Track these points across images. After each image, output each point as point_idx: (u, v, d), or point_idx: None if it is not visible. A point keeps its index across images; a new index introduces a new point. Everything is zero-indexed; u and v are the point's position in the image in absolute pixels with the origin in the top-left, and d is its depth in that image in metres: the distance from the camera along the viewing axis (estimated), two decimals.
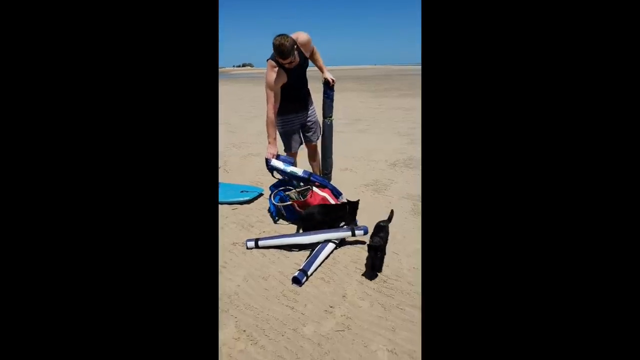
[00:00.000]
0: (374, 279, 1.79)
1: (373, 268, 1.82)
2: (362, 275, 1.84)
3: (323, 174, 2.90)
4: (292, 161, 2.59)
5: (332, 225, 2.22)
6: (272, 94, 2.43)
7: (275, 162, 2.51)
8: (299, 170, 2.51)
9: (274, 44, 2.25)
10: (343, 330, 1.48)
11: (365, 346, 1.40)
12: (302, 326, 1.51)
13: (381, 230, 1.95)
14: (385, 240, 1.85)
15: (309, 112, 2.73)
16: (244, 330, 1.49)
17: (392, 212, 2.17)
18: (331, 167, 2.94)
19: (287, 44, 2.21)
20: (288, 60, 2.28)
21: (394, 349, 1.38)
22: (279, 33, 2.27)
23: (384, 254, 1.86)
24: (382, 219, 2.08)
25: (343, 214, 2.27)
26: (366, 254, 1.92)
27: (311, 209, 2.27)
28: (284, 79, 2.41)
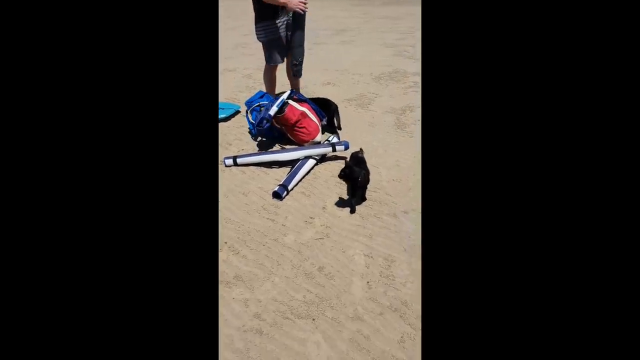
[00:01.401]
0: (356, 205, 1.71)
1: (353, 196, 1.71)
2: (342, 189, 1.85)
3: (292, 65, 2.56)
4: (271, 100, 2.31)
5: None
6: None
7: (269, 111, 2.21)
8: (284, 97, 2.29)
9: None
10: (322, 238, 1.53)
11: (343, 252, 1.46)
12: (283, 236, 1.55)
13: (362, 162, 1.80)
14: (366, 176, 1.71)
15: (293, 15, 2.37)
16: (226, 242, 1.52)
17: (361, 150, 1.96)
18: (302, 57, 2.56)
19: None
20: None
21: (370, 253, 1.45)
22: None
23: (366, 184, 1.74)
24: (357, 150, 1.92)
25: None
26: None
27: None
28: None
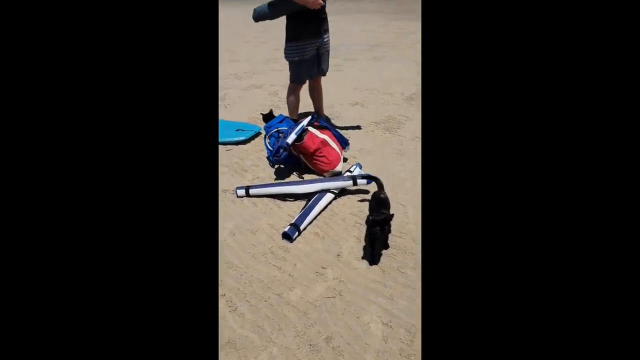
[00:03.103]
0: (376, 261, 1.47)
1: (372, 245, 1.47)
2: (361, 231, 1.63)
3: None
4: (290, 127, 2.14)
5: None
6: None
7: (288, 140, 2.03)
8: (304, 123, 2.12)
9: None
10: (334, 297, 1.31)
11: (357, 317, 1.24)
12: (289, 290, 1.35)
13: (383, 204, 1.57)
14: (388, 220, 1.45)
15: (326, 38, 2.36)
16: (223, 295, 1.34)
17: (380, 182, 1.75)
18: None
19: None
20: None
21: (390, 321, 1.21)
22: None
23: (389, 231, 1.49)
24: (379, 190, 1.69)
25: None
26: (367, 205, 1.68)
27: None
28: None
